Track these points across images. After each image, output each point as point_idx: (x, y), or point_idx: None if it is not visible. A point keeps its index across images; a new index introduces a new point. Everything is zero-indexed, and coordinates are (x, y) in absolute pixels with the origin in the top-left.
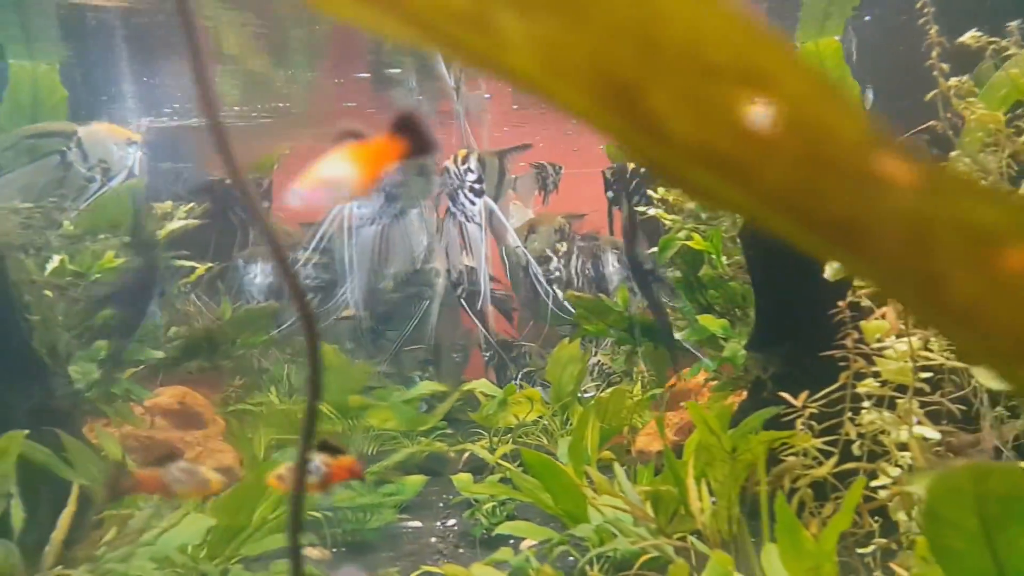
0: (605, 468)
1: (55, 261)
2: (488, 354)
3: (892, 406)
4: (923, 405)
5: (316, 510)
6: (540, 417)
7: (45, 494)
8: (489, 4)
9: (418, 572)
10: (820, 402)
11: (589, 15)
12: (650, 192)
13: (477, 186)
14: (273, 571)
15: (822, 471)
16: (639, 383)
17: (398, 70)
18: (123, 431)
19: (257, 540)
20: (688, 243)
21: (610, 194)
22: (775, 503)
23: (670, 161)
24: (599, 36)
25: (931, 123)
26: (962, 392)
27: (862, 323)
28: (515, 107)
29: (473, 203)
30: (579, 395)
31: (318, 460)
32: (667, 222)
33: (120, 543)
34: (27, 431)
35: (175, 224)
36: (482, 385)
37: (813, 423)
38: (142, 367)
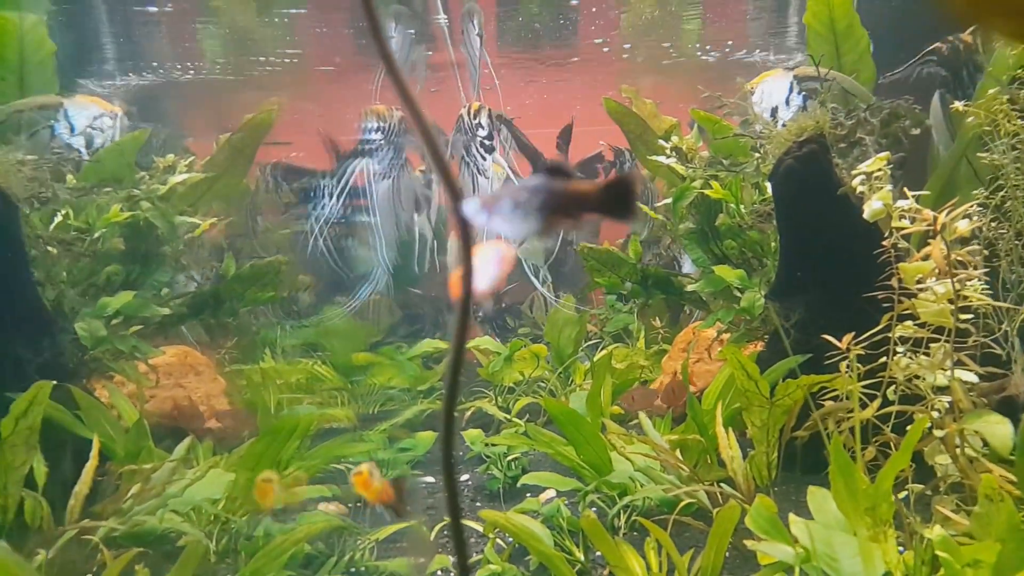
0: (617, 422)
1: (59, 217)
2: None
3: (926, 351)
4: (956, 350)
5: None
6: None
7: (62, 449)
8: None
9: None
10: (860, 345)
11: None
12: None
13: (487, 142)
14: (299, 522)
15: (866, 413)
16: (641, 339)
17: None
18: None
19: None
20: (706, 192)
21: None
22: (831, 445)
23: None
24: None
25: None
26: (992, 337)
27: (902, 265)
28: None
29: (484, 158)
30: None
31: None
32: (681, 172)
33: (145, 496)
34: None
35: (177, 177)
36: (484, 342)
37: (860, 365)
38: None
